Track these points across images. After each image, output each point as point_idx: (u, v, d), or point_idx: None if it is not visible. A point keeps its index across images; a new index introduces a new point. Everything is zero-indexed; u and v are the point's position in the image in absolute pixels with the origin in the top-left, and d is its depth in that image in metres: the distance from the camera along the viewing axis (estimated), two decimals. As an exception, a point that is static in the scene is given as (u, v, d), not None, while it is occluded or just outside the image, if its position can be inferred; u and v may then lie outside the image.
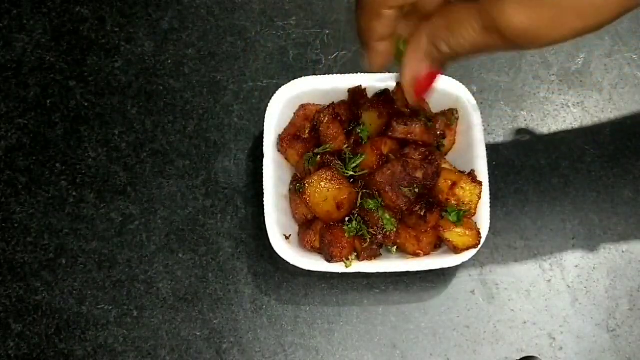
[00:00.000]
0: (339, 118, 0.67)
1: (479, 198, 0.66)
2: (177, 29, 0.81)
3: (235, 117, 0.78)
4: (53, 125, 0.78)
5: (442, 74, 0.52)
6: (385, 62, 0.53)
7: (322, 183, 0.64)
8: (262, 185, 0.68)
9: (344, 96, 0.71)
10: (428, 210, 0.64)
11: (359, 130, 0.66)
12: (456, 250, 0.66)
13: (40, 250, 0.74)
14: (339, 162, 0.66)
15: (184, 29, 0.81)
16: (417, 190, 0.63)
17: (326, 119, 0.67)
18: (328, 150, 0.67)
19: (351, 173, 0.65)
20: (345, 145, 0.67)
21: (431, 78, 0.52)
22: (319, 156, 0.67)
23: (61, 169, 0.76)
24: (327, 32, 0.81)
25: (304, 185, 0.65)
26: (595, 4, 0.42)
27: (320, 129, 0.67)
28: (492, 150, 0.77)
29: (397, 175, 0.63)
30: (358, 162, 0.65)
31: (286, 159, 0.71)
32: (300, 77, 0.71)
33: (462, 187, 0.66)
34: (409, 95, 0.53)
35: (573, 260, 0.74)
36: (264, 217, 0.67)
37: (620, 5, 0.42)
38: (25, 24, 0.81)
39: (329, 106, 0.68)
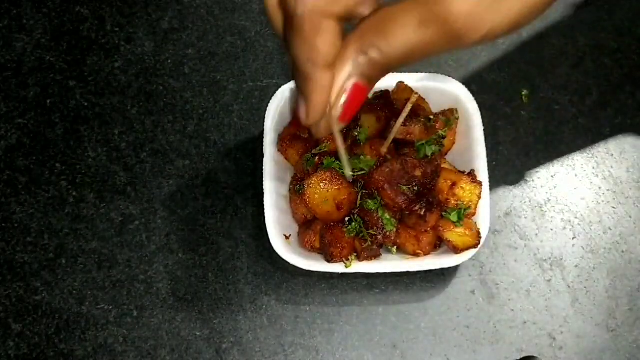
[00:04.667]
0: (339, 118, 0.67)
1: (479, 198, 0.66)
2: (177, 29, 0.81)
3: (235, 117, 0.78)
4: (53, 125, 0.78)
5: (369, 91, 0.42)
6: (326, 102, 0.42)
7: (321, 184, 0.64)
8: (262, 185, 0.68)
9: (344, 96, 0.70)
10: (428, 210, 0.64)
11: (357, 133, 0.66)
12: (456, 250, 0.66)
13: (40, 250, 0.74)
14: (338, 162, 0.66)
15: (184, 29, 0.81)
16: (416, 188, 0.63)
17: (327, 118, 0.67)
18: (325, 150, 0.67)
19: (350, 173, 0.65)
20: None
21: (361, 96, 0.43)
22: (317, 157, 0.67)
23: (61, 169, 0.76)
24: (327, 32, 0.81)
25: (304, 186, 0.65)
26: None
27: (321, 128, 0.67)
28: (492, 150, 0.77)
29: (395, 174, 0.63)
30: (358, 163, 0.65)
31: (286, 158, 0.71)
32: (300, 77, 0.71)
33: (462, 187, 0.66)
34: (330, 120, 0.42)
35: (573, 260, 0.74)
36: (264, 217, 0.67)
37: None
38: (25, 24, 0.81)
39: (328, 106, 0.68)
